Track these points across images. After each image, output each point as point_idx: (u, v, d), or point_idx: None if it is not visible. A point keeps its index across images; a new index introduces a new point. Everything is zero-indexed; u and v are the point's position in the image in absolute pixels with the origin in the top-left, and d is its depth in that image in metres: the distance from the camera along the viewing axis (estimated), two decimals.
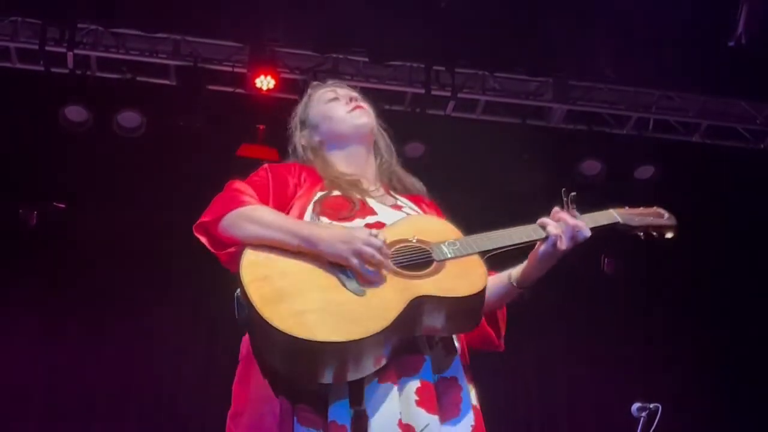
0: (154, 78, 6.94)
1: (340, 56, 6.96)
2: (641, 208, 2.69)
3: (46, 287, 6.96)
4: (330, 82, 2.97)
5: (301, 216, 2.57)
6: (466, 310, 2.40)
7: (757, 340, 7.54)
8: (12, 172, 6.86)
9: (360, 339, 2.24)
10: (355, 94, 2.87)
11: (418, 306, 2.33)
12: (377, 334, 2.25)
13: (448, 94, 6.98)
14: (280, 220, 2.46)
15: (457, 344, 2.51)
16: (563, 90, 7.19)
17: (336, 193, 2.62)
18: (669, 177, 7.09)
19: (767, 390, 7.40)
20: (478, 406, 2.47)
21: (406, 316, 2.31)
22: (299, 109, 2.93)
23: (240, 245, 2.44)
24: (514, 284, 2.54)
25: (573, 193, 2.53)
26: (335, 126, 2.80)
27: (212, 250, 2.51)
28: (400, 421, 2.29)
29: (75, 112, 6.69)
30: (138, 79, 6.89)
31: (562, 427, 7.41)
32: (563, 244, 2.48)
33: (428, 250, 2.43)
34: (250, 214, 2.47)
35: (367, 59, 6.87)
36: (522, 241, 2.51)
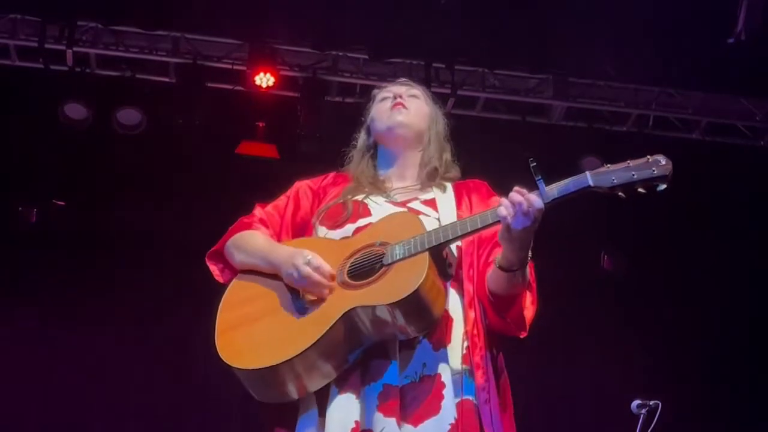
0: (154, 75, 6.95)
1: (340, 53, 6.96)
2: (629, 161, 2.35)
3: (46, 284, 6.95)
4: (401, 80, 2.99)
5: (311, 227, 2.69)
6: (407, 312, 2.36)
7: (757, 337, 7.53)
8: (12, 169, 6.85)
9: (284, 361, 2.34)
10: (410, 92, 2.88)
11: (354, 318, 2.37)
12: (305, 351, 2.33)
13: (448, 91, 6.97)
14: (257, 245, 2.62)
15: (460, 340, 2.49)
16: (563, 87, 7.19)
17: (341, 200, 2.68)
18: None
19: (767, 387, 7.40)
20: (475, 401, 2.43)
21: (344, 329, 2.37)
22: (366, 111, 2.97)
23: (236, 271, 2.64)
24: (499, 268, 2.45)
25: (535, 163, 2.37)
26: (377, 125, 2.84)
27: (219, 280, 2.68)
28: (354, 430, 2.33)
29: (75, 110, 6.70)
30: (137, 76, 6.89)
31: (562, 424, 7.41)
32: (515, 224, 2.31)
33: (383, 254, 2.44)
34: (239, 241, 2.65)
35: (366, 56, 6.87)
36: (479, 226, 2.43)
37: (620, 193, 2.33)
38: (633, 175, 2.32)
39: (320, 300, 2.43)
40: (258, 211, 2.74)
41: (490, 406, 2.46)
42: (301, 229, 2.71)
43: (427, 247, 2.41)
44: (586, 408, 7.42)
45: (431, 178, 2.78)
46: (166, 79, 6.96)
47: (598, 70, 7.05)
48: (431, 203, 2.68)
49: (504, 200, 2.37)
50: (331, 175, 2.85)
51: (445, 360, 2.44)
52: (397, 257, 2.41)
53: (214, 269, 2.69)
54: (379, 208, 2.64)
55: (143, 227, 6.83)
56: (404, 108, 2.80)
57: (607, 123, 7.44)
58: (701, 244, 7.41)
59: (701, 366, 7.51)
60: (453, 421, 2.36)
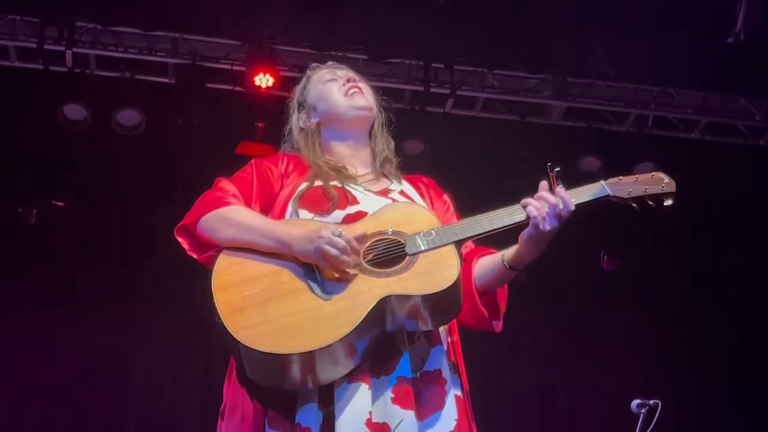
0: (153, 76, 6.94)
1: (339, 54, 6.95)
2: (636, 176, 2.53)
3: (46, 285, 6.96)
4: (329, 63, 2.93)
5: (283, 210, 2.57)
6: (437, 305, 2.34)
7: (757, 336, 7.54)
8: (11, 170, 6.85)
9: (314, 350, 2.23)
10: (353, 74, 2.83)
11: (385, 306, 2.30)
12: (337, 341, 2.23)
13: (447, 91, 6.98)
14: (255, 222, 2.46)
15: (444, 336, 2.49)
16: (562, 87, 7.19)
17: (317, 183, 2.59)
18: (668, 174, 7.06)
19: (766, 386, 7.40)
20: (463, 397, 2.45)
21: (373, 318, 2.29)
22: (297, 91, 2.90)
23: (218, 248, 2.46)
24: (507, 266, 2.46)
25: (558, 169, 2.42)
26: (332, 107, 2.76)
27: (191, 254, 2.54)
28: (368, 420, 2.28)
29: (74, 111, 6.69)
30: (137, 77, 6.89)
31: (563, 424, 7.41)
32: (547, 225, 2.36)
33: (402, 243, 2.39)
34: (228, 216, 2.48)
35: (365, 57, 6.86)
36: (503, 225, 2.42)
37: (634, 205, 2.50)
38: (645, 189, 2.52)
39: (343, 282, 2.33)
40: (227, 186, 2.61)
41: (469, 399, 2.49)
42: (266, 207, 2.60)
43: (452, 240, 2.40)
44: (587, 407, 7.42)
45: (383, 167, 2.74)
46: (166, 80, 6.96)
47: (597, 69, 7.04)
48: (405, 195, 2.66)
49: (531, 201, 2.39)
50: (284, 156, 2.75)
51: (442, 355, 2.44)
52: (422, 248, 2.37)
53: (185, 243, 2.57)
54: (366, 197, 2.58)
55: (143, 228, 6.83)
56: (363, 93, 2.76)
57: (606, 123, 7.44)
58: (701, 243, 7.42)
59: (701, 363, 7.52)
60: (457, 417, 2.37)
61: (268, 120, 6.92)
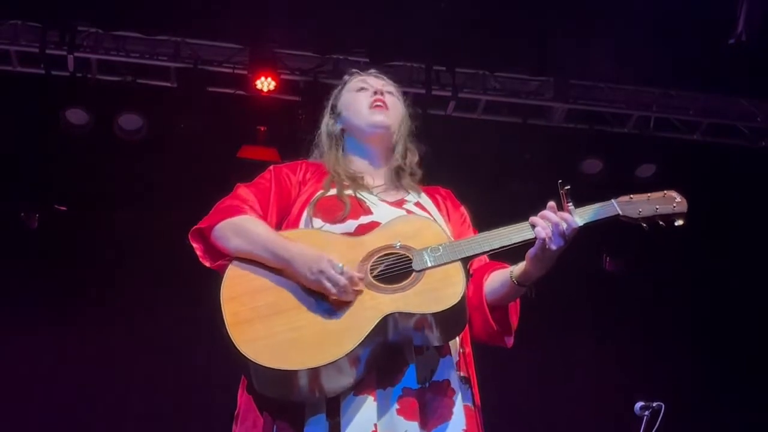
0: (155, 80, 6.94)
1: (341, 57, 6.96)
2: (648, 194, 2.49)
3: (48, 290, 6.96)
4: (371, 71, 2.94)
5: (298, 218, 2.58)
6: (442, 322, 2.34)
7: (758, 338, 7.53)
8: (13, 175, 6.86)
9: (318, 366, 2.24)
10: (387, 88, 2.85)
11: (389, 323, 2.31)
12: (342, 357, 2.25)
13: (449, 94, 6.98)
14: (263, 235, 2.46)
15: (456, 347, 2.49)
16: (564, 89, 7.19)
17: (332, 192, 2.61)
18: (670, 175, 7.08)
19: None
20: (473, 407, 2.46)
21: (377, 334, 2.30)
22: (333, 94, 2.93)
23: (229, 257, 2.48)
24: (515, 282, 2.48)
25: (567, 187, 2.42)
26: (353, 118, 2.79)
27: (203, 261, 2.55)
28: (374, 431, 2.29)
29: (76, 115, 6.70)
30: (138, 81, 6.89)
31: (564, 426, 7.40)
32: (553, 245, 2.37)
33: (409, 259, 2.40)
34: (239, 226, 2.49)
35: (367, 60, 6.86)
36: (511, 243, 2.44)
37: (644, 225, 2.46)
38: (656, 208, 2.46)
39: (347, 301, 2.34)
40: (245, 194, 2.62)
41: (480, 412, 2.50)
42: (283, 215, 2.62)
43: (459, 257, 2.40)
44: (589, 409, 7.41)
45: (397, 177, 2.76)
46: (167, 84, 6.96)
47: (598, 71, 7.05)
48: (420, 207, 2.67)
49: (538, 220, 2.39)
50: (303, 164, 2.78)
51: (451, 366, 2.44)
52: (428, 264, 2.38)
53: (198, 248, 2.57)
54: (378, 207, 2.60)
55: (144, 232, 6.84)
56: (386, 108, 2.78)
57: (608, 125, 7.44)
58: (702, 244, 7.41)
59: (704, 365, 7.50)
60: (465, 427, 2.38)
61: (270, 123, 6.94)
